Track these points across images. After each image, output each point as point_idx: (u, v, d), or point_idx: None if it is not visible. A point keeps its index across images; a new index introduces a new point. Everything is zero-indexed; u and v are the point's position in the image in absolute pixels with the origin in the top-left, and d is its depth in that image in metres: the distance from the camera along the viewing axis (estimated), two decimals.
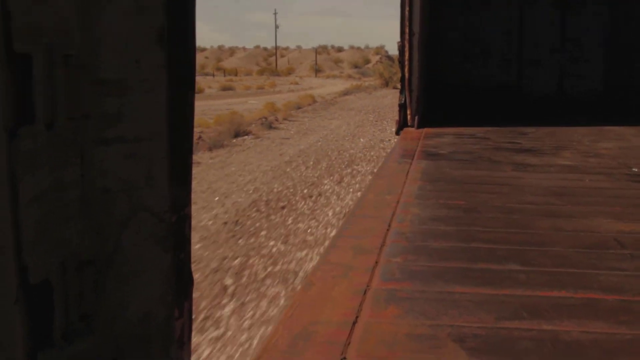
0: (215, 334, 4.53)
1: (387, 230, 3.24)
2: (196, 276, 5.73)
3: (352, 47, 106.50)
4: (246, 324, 4.70)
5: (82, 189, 0.87)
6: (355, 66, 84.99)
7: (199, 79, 43.70)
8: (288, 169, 11.40)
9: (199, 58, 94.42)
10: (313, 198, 8.97)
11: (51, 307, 0.83)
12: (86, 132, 0.87)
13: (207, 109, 24.15)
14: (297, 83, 53.73)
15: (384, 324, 2.14)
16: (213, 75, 64.12)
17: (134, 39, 0.94)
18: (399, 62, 8.10)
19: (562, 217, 3.53)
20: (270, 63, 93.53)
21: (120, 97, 0.92)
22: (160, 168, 0.99)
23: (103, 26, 0.88)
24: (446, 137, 7.20)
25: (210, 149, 14.24)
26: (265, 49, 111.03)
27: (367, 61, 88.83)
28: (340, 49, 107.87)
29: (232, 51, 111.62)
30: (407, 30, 7.74)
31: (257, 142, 16.09)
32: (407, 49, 7.80)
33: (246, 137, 16.89)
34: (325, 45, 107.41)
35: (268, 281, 5.68)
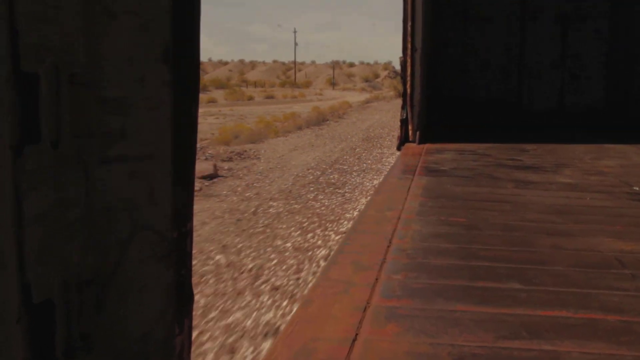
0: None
1: (388, 246, 3.24)
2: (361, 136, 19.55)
3: (362, 63, 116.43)
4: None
5: (85, 207, 0.87)
6: (366, 80, 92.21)
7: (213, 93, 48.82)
8: (368, 130, 21.65)
9: (224, 72, 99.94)
10: (385, 132, 20.45)
11: (53, 325, 0.83)
12: (90, 151, 0.87)
13: (269, 111, 31.75)
14: (321, 94, 60.23)
15: (384, 342, 2.14)
16: (240, 87, 66.56)
17: (138, 56, 0.94)
18: (401, 77, 8.11)
19: (563, 236, 3.52)
20: (289, 76, 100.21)
21: (124, 115, 0.92)
22: (163, 186, 0.99)
23: (108, 44, 0.89)
24: (447, 153, 7.20)
25: (318, 124, 24.11)
26: (283, 63, 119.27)
27: (377, 75, 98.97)
28: (351, 64, 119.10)
29: (253, 65, 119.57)
30: (409, 45, 7.76)
31: (338, 123, 25.30)
32: (409, 64, 7.82)
33: (328, 122, 26.00)
34: (338, 61, 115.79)
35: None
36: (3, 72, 0.72)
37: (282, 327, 3.69)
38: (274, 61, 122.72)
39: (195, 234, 7.17)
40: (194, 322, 3.74)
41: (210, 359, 3.93)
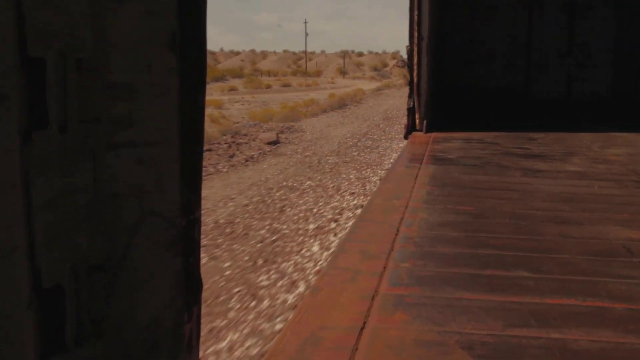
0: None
1: (396, 235, 3.24)
2: (381, 110, 27.22)
3: (370, 52, 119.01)
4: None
5: (93, 193, 0.87)
6: (375, 69, 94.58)
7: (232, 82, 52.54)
8: (386, 112, 25.49)
9: (236, 61, 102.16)
10: (401, 114, 20.75)
11: (63, 311, 0.83)
12: (97, 136, 0.87)
13: (288, 98, 35.34)
14: (333, 82, 64.08)
15: (392, 330, 2.14)
16: (255, 76, 68.04)
17: (145, 43, 0.93)
18: (408, 66, 8.09)
19: (571, 224, 3.51)
20: (300, 66, 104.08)
21: (131, 101, 0.92)
22: (171, 172, 0.99)
23: (114, 30, 0.88)
24: (454, 142, 7.19)
25: (340, 108, 28.07)
26: (294, 53, 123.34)
27: (385, 64, 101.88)
28: (360, 54, 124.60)
29: (264, 55, 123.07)
30: (416, 34, 7.74)
31: (358, 107, 29.64)
32: (415, 53, 7.79)
33: (348, 106, 30.21)
34: (347, 50, 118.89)
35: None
36: (10, 58, 0.72)
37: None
38: (284, 51, 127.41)
39: (284, 174, 11.19)
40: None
41: (331, 223, 7.57)
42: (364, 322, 2.18)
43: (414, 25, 7.73)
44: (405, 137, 7.96)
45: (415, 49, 7.78)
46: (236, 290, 5.30)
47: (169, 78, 0.97)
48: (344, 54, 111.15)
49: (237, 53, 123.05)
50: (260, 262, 6.08)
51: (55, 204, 0.80)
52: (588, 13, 10.55)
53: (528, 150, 6.72)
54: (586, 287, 2.53)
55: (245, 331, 4.50)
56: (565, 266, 2.79)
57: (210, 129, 16.99)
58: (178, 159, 1.00)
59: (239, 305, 4.98)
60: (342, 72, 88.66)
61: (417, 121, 8.01)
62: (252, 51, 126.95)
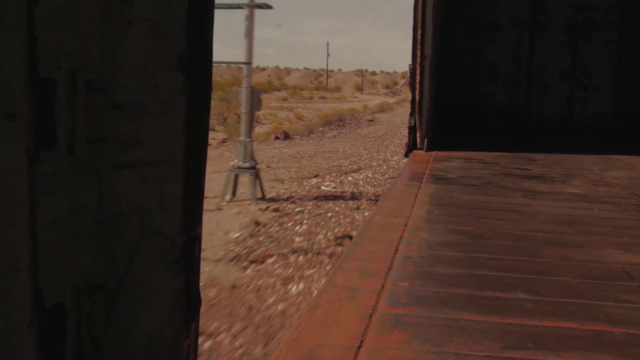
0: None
1: (395, 253, 3.24)
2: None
3: (382, 72, 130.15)
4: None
5: (97, 212, 0.87)
6: (387, 87, 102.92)
7: (281, 93, 60.69)
8: None
9: (263, 76, 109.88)
10: None
11: (64, 329, 0.83)
12: (103, 156, 0.87)
13: (331, 106, 43.84)
14: (356, 97, 72.55)
15: (389, 349, 2.14)
16: (279, 90, 73.44)
17: (153, 63, 0.94)
18: (410, 84, 8.11)
19: (570, 247, 3.51)
20: (321, 82, 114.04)
21: (138, 121, 0.92)
22: (174, 192, 1.00)
23: (123, 50, 0.89)
24: (455, 161, 7.20)
25: (384, 111, 35.82)
26: (314, 70, 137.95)
27: (396, 83, 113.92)
28: (373, 73, 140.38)
29: (288, 71, 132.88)
30: (419, 53, 7.76)
31: (395, 110, 35.16)
32: (418, 72, 7.82)
33: (387, 110, 36.16)
34: (361, 69, 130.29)
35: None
36: (21, 78, 0.72)
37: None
38: (305, 68, 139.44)
39: (383, 130, 29.63)
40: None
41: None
42: (361, 341, 2.18)
43: (417, 44, 7.75)
44: (406, 156, 7.96)
45: (418, 67, 7.80)
46: None
47: (176, 97, 0.98)
48: (359, 73, 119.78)
49: (263, 69, 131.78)
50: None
51: (60, 223, 0.80)
52: (591, 35, 10.58)
53: (529, 171, 6.73)
54: (585, 311, 2.53)
55: None
56: (564, 289, 2.79)
57: (299, 123, 28.75)
58: (182, 178, 1.00)
59: None
60: (360, 89, 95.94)
61: (419, 139, 8.02)
62: (277, 67, 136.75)
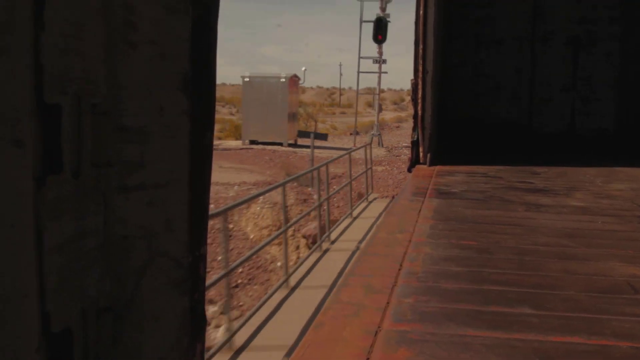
0: None
1: (399, 269, 3.24)
2: None
3: (389, 89, 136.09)
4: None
5: (103, 236, 0.88)
6: (395, 103, 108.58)
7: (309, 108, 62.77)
8: None
9: None
10: None
11: (71, 354, 0.84)
12: (109, 180, 0.88)
13: (351, 120, 43.40)
14: (370, 112, 78.22)
15: None
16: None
17: (158, 85, 0.95)
18: (412, 99, 8.13)
19: (574, 260, 3.51)
20: (334, 99, 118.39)
21: (143, 144, 0.93)
22: (180, 213, 1.00)
23: (128, 74, 0.90)
24: (458, 176, 7.20)
25: (399, 122, 42.23)
26: (327, 89, 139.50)
27: (402, 99, 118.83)
28: (382, 91, 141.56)
29: (303, 90, 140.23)
30: (420, 68, 7.78)
31: (411, 122, 41.76)
32: (420, 86, 7.84)
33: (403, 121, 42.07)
34: (370, 87, 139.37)
35: None
36: (27, 105, 0.73)
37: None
38: (318, 86, 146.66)
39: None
40: None
41: None
42: (367, 358, 2.18)
43: (419, 59, 7.78)
44: (409, 170, 7.97)
45: (420, 82, 7.82)
46: None
47: (180, 120, 0.98)
48: (369, 90, 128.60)
49: None
50: None
51: (66, 248, 0.81)
52: (592, 47, 10.62)
53: (531, 184, 6.73)
54: (590, 325, 2.53)
55: None
56: (569, 303, 2.79)
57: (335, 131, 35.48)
58: (187, 198, 1.01)
59: None
60: (372, 105, 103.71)
61: (421, 154, 8.02)
62: None
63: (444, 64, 9.72)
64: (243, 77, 26.44)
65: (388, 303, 2.74)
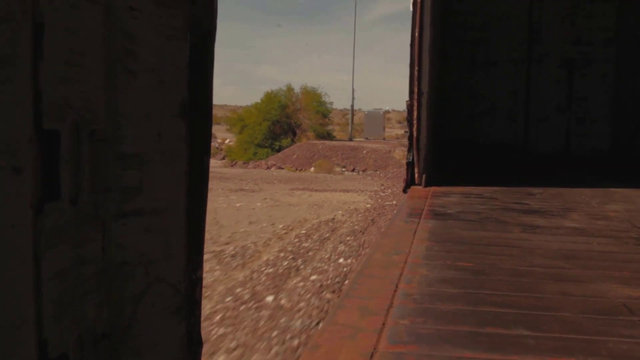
0: None
1: (395, 291, 3.24)
2: None
3: (393, 110, 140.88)
4: None
5: (101, 263, 0.88)
6: (399, 122, 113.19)
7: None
8: None
9: None
10: None
11: None
12: (107, 206, 0.88)
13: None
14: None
15: None
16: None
17: (156, 112, 0.95)
18: (407, 120, 8.15)
19: (571, 282, 3.51)
20: (347, 119, 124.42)
21: (141, 170, 0.93)
22: (177, 238, 1.00)
23: (127, 101, 0.90)
24: (453, 197, 7.21)
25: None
26: (341, 110, 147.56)
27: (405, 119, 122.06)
28: (387, 111, 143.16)
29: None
30: (415, 89, 7.82)
31: None
32: (415, 108, 7.86)
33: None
34: (377, 108, 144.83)
35: None
36: (26, 132, 0.73)
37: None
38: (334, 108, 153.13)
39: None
40: None
41: None
42: None
43: (414, 80, 7.82)
44: (404, 191, 7.97)
45: (415, 104, 7.85)
46: None
47: (178, 145, 0.99)
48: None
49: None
50: None
51: (64, 275, 0.81)
52: (587, 68, 10.69)
53: (527, 205, 6.74)
54: (587, 346, 2.52)
55: None
56: (566, 324, 2.78)
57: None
58: (184, 223, 1.01)
59: None
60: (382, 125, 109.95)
61: (417, 175, 8.04)
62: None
63: (439, 86, 9.77)
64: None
65: (384, 325, 2.73)
